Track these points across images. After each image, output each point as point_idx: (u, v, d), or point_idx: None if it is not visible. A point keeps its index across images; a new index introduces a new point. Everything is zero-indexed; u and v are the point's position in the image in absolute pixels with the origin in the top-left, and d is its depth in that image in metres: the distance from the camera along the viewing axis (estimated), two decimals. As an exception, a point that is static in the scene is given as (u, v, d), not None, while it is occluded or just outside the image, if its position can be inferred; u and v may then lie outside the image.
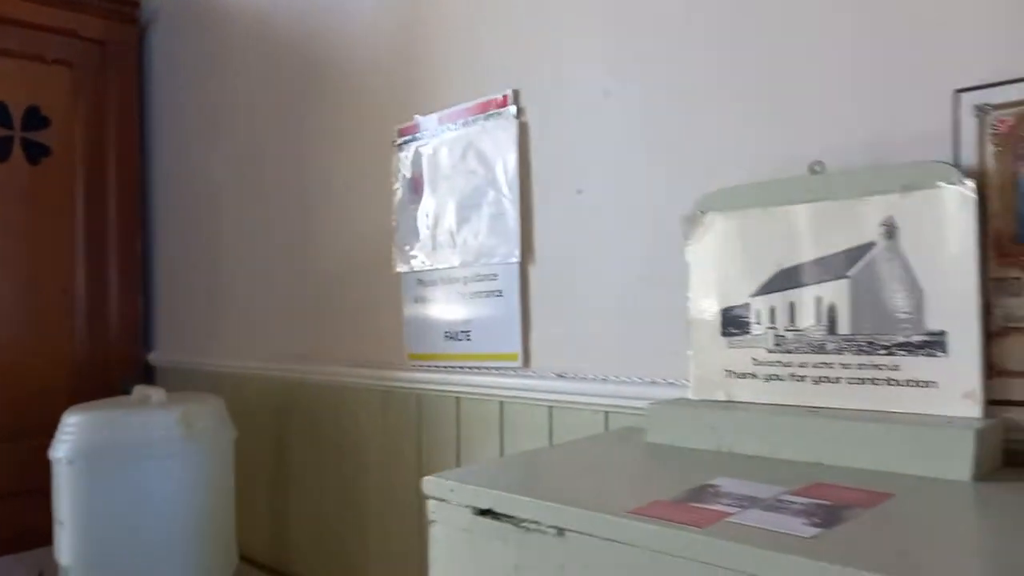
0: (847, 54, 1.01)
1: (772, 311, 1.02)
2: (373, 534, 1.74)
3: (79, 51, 2.42)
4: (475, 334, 1.51)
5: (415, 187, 1.64)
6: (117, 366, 2.41)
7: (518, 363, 1.42)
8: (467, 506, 0.88)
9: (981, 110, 0.87)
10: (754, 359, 1.04)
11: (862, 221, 0.94)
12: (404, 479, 1.66)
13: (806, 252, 0.99)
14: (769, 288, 1.03)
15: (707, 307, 1.09)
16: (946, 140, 0.90)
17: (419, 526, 1.56)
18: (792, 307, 1.01)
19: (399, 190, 1.68)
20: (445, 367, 1.57)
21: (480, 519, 0.86)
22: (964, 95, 0.89)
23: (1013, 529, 0.70)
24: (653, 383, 1.21)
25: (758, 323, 1.04)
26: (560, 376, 1.35)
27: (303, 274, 1.96)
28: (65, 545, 1.57)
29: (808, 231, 0.99)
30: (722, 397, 1.07)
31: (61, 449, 1.59)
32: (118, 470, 1.58)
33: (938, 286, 0.88)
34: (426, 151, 1.62)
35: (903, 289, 0.91)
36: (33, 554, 1.90)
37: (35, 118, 2.35)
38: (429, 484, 0.92)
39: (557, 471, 1.02)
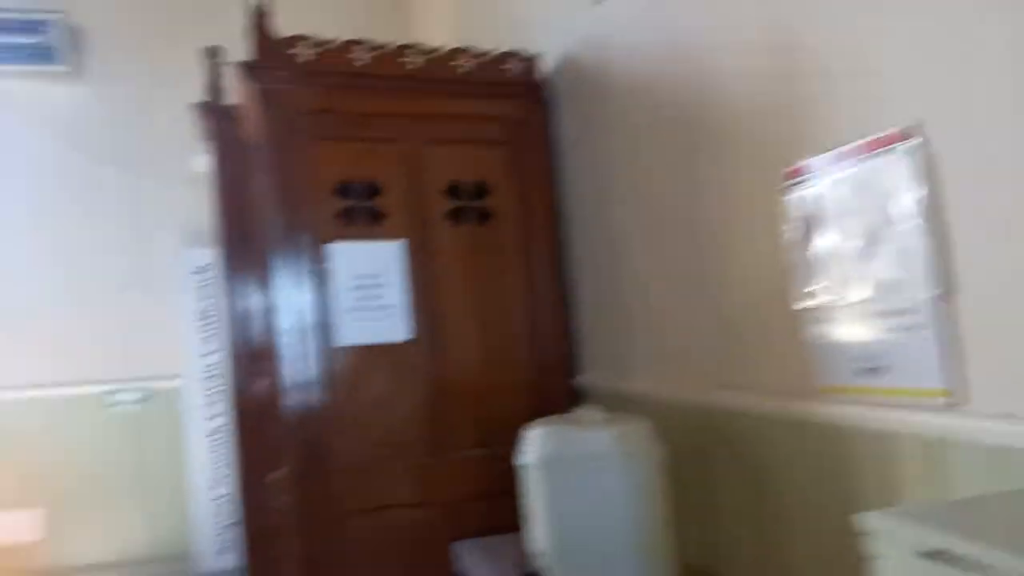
0: None
1: None
2: (797, 559, 1.84)
3: (506, 132, 2.98)
4: (889, 369, 1.53)
5: (808, 227, 1.72)
6: (553, 389, 2.89)
7: (945, 399, 1.40)
8: (911, 545, 0.95)
9: None
10: None
11: None
12: (826, 512, 1.72)
13: None
14: None
15: None
16: None
17: (843, 560, 1.61)
18: None
19: (792, 230, 1.77)
20: (859, 401, 1.60)
21: (924, 560, 0.92)
22: None
23: None
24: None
25: None
26: (1007, 416, 1.30)
27: (702, 310, 2.16)
28: (537, 534, 1.98)
29: None
30: None
31: (527, 457, 2.01)
32: (570, 476, 1.94)
33: None
34: (816, 191, 1.69)
35: None
36: (505, 538, 2.41)
37: (480, 190, 2.96)
38: (869, 520, 1.02)
39: (1014, 518, 1.02)
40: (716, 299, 2.11)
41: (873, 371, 1.58)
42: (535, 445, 2.00)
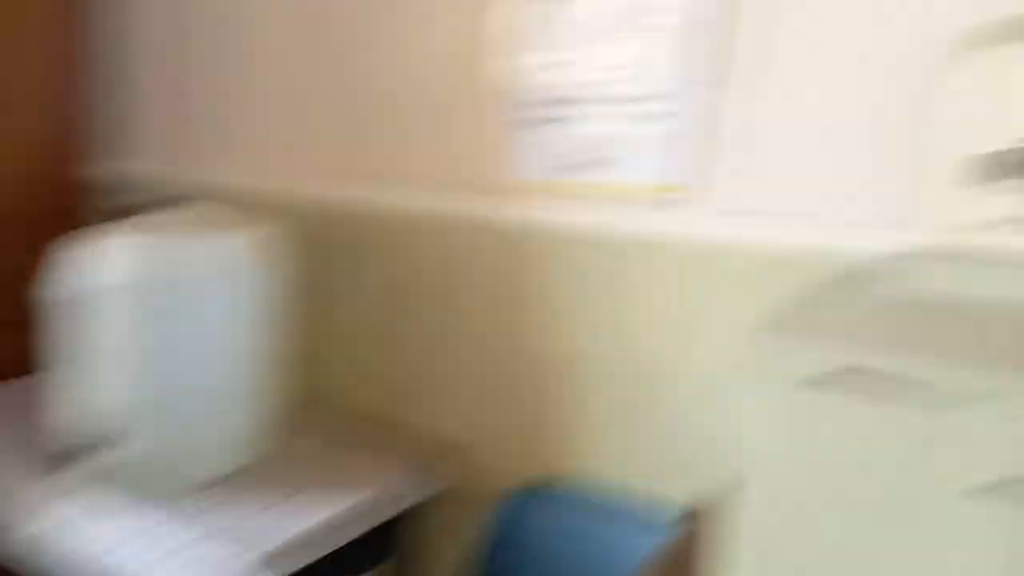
0: None
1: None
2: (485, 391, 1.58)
3: None
4: (614, 161, 1.33)
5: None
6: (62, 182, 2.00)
7: (676, 196, 1.27)
8: (797, 369, 0.77)
9: None
10: None
11: None
12: (509, 328, 1.50)
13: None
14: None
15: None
16: None
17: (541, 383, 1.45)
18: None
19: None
20: (566, 199, 1.38)
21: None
22: None
23: None
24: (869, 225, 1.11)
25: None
26: (751, 212, 1.20)
27: (355, 77, 1.64)
28: (88, 387, 1.31)
29: None
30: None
31: (91, 278, 1.29)
32: (170, 303, 1.32)
33: None
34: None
35: None
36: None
37: None
38: (760, 342, 0.80)
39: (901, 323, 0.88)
40: (376, 67, 1.61)
41: (592, 165, 1.36)
42: (116, 262, 1.28)
